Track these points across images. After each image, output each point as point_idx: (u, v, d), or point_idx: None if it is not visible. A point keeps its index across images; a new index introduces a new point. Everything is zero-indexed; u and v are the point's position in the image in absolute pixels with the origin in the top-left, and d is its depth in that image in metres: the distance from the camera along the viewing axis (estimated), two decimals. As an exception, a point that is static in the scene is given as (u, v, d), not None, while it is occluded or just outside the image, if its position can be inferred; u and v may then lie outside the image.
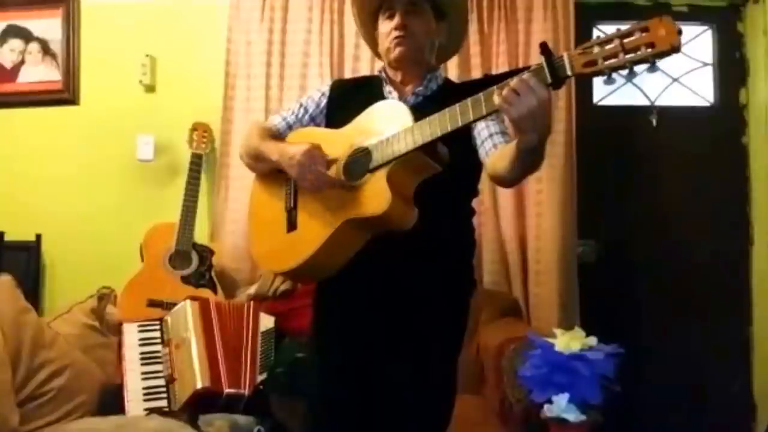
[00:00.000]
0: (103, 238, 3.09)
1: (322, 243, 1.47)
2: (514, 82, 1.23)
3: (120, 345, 2.41)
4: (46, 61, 3.22)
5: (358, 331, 1.59)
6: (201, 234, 2.93)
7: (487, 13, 2.94)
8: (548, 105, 1.24)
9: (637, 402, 2.91)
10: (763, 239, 3.04)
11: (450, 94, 1.44)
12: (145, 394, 2.30)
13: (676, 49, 1.11)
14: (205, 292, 2.71)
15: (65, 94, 3.21)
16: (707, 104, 3.16)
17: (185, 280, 2.77)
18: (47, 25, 3.22)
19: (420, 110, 1.44)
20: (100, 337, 2.50)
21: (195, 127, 2.97)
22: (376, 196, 1.41)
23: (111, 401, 2.28)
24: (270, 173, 1.66)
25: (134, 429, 2.00)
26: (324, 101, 1.72)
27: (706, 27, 3.16)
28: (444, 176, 1.44)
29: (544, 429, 1.99)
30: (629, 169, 3.12)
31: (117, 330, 2.48)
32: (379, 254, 1.47)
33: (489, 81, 1.31)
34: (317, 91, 1.76)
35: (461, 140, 1.44)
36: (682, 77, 3.14)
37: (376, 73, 1.74)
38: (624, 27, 1.16)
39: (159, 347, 2.40)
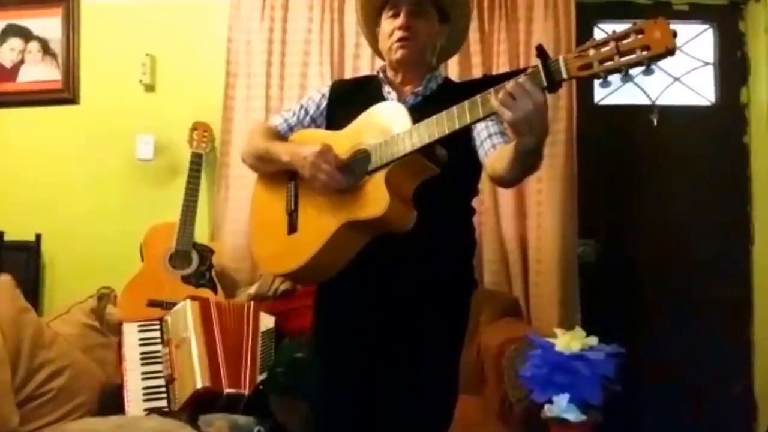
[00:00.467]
0: (103, 237, 3.09)
1: (321, 245, 1.47)
2: (510, 85, 1.24)
3: (120, 345, 2.42)
4: (46, 60, 3.22)
5: (359, 332, 1.59)
6: (201, 234, 2.93)
7: (488, 12, 2.94)
8: (544, 108, 1.24)
9: (637, 402, 2.91)
10: (764, 238, 3.03)
11: (450, 94, 1.44)
12: (145, 394, 2.30)
13: (671, 51, 1.12)
14: (206, 292, 2.71)
15: (65, 94, 3.21)
16: (708, 103, 3.16)
17: (185, 279, 2.77)
18: (47, 25, 3.21)
19: (419, 111, 1.44)
20: (99, 337, 2.50)
21: (195, 127, 2.97)
22: (374, 198, 1.41)
23: (111, 401, 2.28)
24: (272, 175, 1.66)
25: (134, 429, 2.00)
26: (324, 102, 1.72)
27: (707, 26, 3.15)
28: (443, 176, 1.44)
29: (544, 429, 1.99)
30: (630, 169, 3.11)
31: (117, 330, 2.48)
32: (379, 255, 1.47)
33: (489, 81, 1.31)
34: (317, 92, 1.76)
35: (461, 141, 1.44)
36: (683, 76, 3.14)
37: (376, 71, 1.73)
38: (624, 27, 1.16)
39: (159, 347, 2.40)
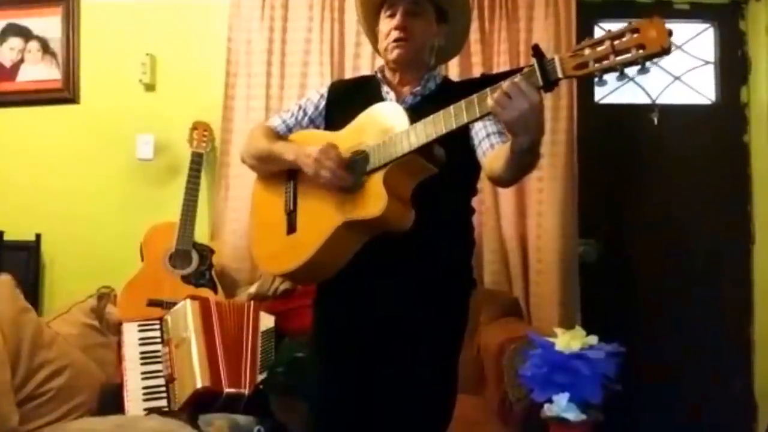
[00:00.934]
0: (103, 237, 3.09)
1: (320, 246, 1.48)
2: (505, 85, 1.24)
3: (120, 344, 2.41)
4: (46, 59, 3.22)
5: (358, 331, 1.59)
6: (201, 233, 2.93)
7: (488, 11, 2.93)
8: (540, 107, 1.24)
9: (637, 401, 2.91)
10: (765, 238, 3.03)
11: (448, 93, 1.44)
12: (144, 394, 2.30)
13: (666, 50, 1.12)
14: (206, 292, 2.71)
15: (65, 93, 3.21)
16: (708, 102, 3.16)
17: (185, 279, 2.77)
18: (47, 24, 3.21)
19: (418, 111, 1.44)
20: (99, 337, 2.50)
21: (195, 126, 2.96)
22: (372, 198, 1.42)
23: (111, 401, 2.27)
24: (271, 175, 1.66)
25: (134, 429, 2.00)
26: (323, 103, 1.72)
27: (707, 25, 3.15)
28: (442, 176, 1.44)
29: (544, 428, 1.99)
30: (630, 168, 3.11)
31: (117, 329, 2.48)
32: (378, 255, 1.47)
33: (487, 80, 1.31)
34: (316, 93, 1.76)
35: (459, 140, 1.45)
36: (684, 75, 3.13)
37: (374, 72, 1.73)
38: (623, 26, 1.16)
39: (159, 347, 2.40)
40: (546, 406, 1.96)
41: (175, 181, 3.03)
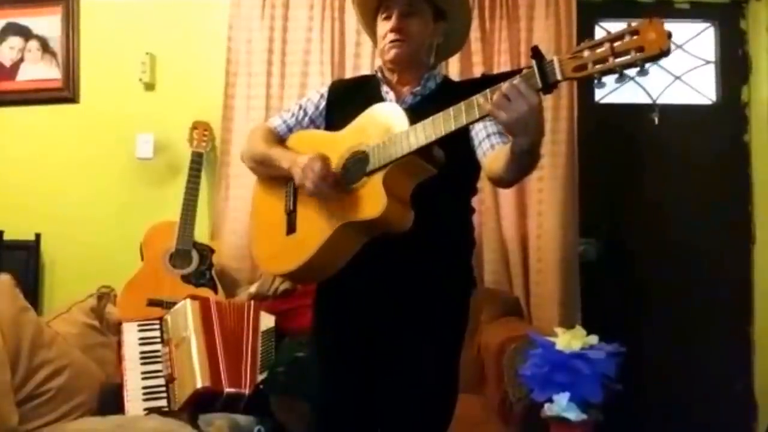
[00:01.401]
0: (103, 237, 3.09)
1: (319, 246, 1.48)
2: (505, 87, 1.24)
3: (120, 344, 2.41)
4: (46, 59, 3.22)
5: (358, 331, 1.59)
6: (201, 233, 2.93)
7: (489, 11, 2.93)
8: (539, 109, 1.25)
9: (637, 401, 2.91)
10: (765, 237, 3.03)
11: (448, 93, 1.44)
12: (144, 394, 2.29)
13: (665, 53, 1.12)
14: (206, 292, 2.71)
15: (65, 93, 3.20)
16: (709, 102, 3.15)
17: (185, 279, 2.77)
18: (47, 23, 3.21)
19: (418, 111, 1.44)
20: (99, 337, 2.50)
21: (195, 126, 2.96)
22: (372, 199, 1.42)
23: (111, 401, 2.27)
24: (271, 176, 1.66)
25: (134, 429, 2.00)
26: (323, 103, 1.72)
27: (708, 24, 3.15)
28: (442, 176, 1.44)
29: (544, 428, 1.99)
30: (631, 168, 3.11)
31: (117, 329, 2.48)
32: (378, 255, 1.47)
33: (487, 80, 1.31)
34: (316, 93, 1.76)
35: (459, 139, 1.44)
36: (684, 75, 3.13)
37: (374, 71, 1.73)
38: (624, 26, 1.16)
39: (159, 346, 2.39)
40: (546, 405, 1.97)
41: (175, 180, 3.03)
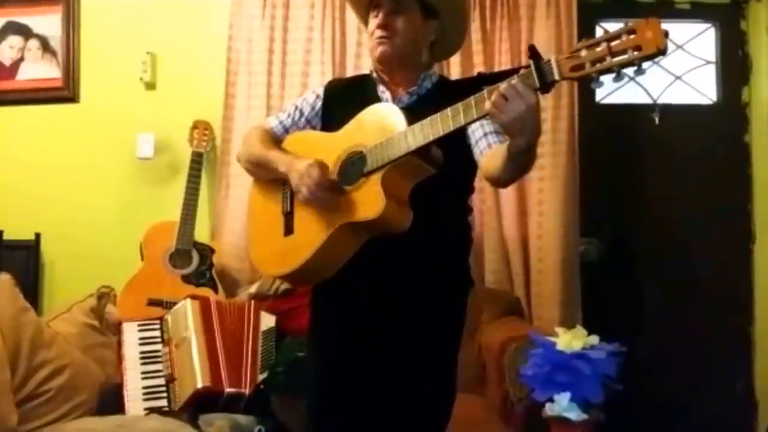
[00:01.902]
0: (103, 236, 3.08)
1: (317, 247, 1.47)
2: (502, 87, 1.24)
3: (120, 344, 2.41)
4: (46, 58, 3.21)
5: (355, 331, 1.58)
6: (201, 233, 2.93)
7: (490, 11, 2.93)
8: (536, 109, 1.24)
9: (638, 401, 2.90)
10: (766, 237, 3.03)
11: (444, 92, 1.44)
12: (144, 394, 2.29)
13: (662, 51, 1.11)
14: (206, 291, 2.71)
15: (65, 92, 3.20)
16: (710, 102, 3.15)
17: (186, 279, 2.76)
18: (47, 22, 3.20)
19: (414, 110, 1.44)
20: (99, 337, 2.49)
21: (196, 125, 2.96)
22: (370, 200, 1.41)
23: (111, 401, 2.27)
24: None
25: (134, 429, 2.00)
26: (319, 103, 1.71)
27: (708, 25, 3.15)
28: (439, 176, 1.44)
29: (545, 428, 1.99)
30: (631, 168, 3.11)
31: (117, 329, 2.47)
32: (375, 255, 1.47)
33: (483, 79, 1.31)
34: (312, 93, 1.75)
35: (456, 139, 1.44)
36: (685, 75, 3.13)
37: (371, 70, 1.71)
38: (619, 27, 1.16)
39: (159, 346, 2.39)
40: (547, 405, 1.97)
41: (176, 180, 3.02)
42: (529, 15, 2.90)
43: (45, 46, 3.21)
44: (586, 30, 2.89)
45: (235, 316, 2.43)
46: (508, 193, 2.83)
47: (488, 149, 1.51)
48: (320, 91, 1.74)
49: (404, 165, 1.41)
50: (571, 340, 1.98)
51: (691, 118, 3.11)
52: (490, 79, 1.30)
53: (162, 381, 2.32)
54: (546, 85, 1.22)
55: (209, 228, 3.03)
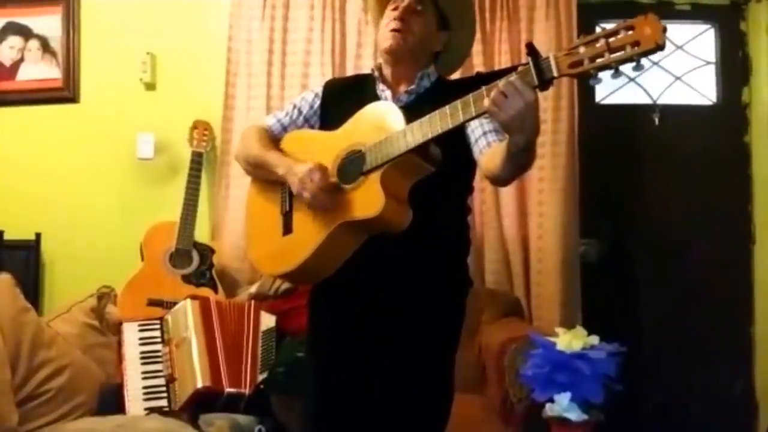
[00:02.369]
0: (103, 236, 3.08)
1: (317, 246, 1.47)
2: (501, 84, 1.24)
3: (120, 344, 2.41)
4: (46, 58, 3.21)
5: (353, 331, 1.58)
6: (202, 233, 2.93)
7: (489, 12, 2.93)
8: (535, 106, 1.24)
9: (638, 401, 2.91)
10: (766, 238, 3.03)
11: (443, 91, 1.44)
12: (145, 394, 2.29)
13: (660, 47, 1.11)
14: (206, 291, 2.70)
15: (65, 92, 3.19)
16: (710, 103, 3.16)
17: (186, 279, 2.76)
18: (47, 23, 3.20)
19: (413, 109, 1.44)
20: (99, 337, 2.49)
21: (195, 125, 2.96)
22: (369, 198, 1.41)
23: (111, 401, 2.27)
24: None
25: (134, 429, 2.00)
26: (317, 102, 1.71)
27: (708, 25, 3.15)
28: (437, 175, 1.44)
29: (545, 428, 1.99)
30: (631, 168, 3.11)
31: (117, 329, 2.47)
32: (373, 254, 1.47)
33: (481, 79, 1.31)
34: (311, 92, 1.75)
35: (455, 138, 1.44)
36: (685, 76, 3.13)
37: (370, 69, 1.72)
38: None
39: (159, 346, 2.39)
40: (547, 405, 1.97)
41: (176, 180, 3.02)
42: (529, 16, 2.90)
43: (45, 46, 3.21)
44: (585, 31, 2.90)
45: (235, 316, 2.43)
46: (508, 194, 2.84)
47: (488, 148, 1.50)
48: (319, 90, 1.74)
49: (403, 163, 1.41)
50: (571, 340, 1.98)
51: (691, 119, 3.12)
52: (488, 77, 1.30)
53: (162, 381, 2.32)
54: (544, 82, 1.22)
55: (209, 228, 3.03)
